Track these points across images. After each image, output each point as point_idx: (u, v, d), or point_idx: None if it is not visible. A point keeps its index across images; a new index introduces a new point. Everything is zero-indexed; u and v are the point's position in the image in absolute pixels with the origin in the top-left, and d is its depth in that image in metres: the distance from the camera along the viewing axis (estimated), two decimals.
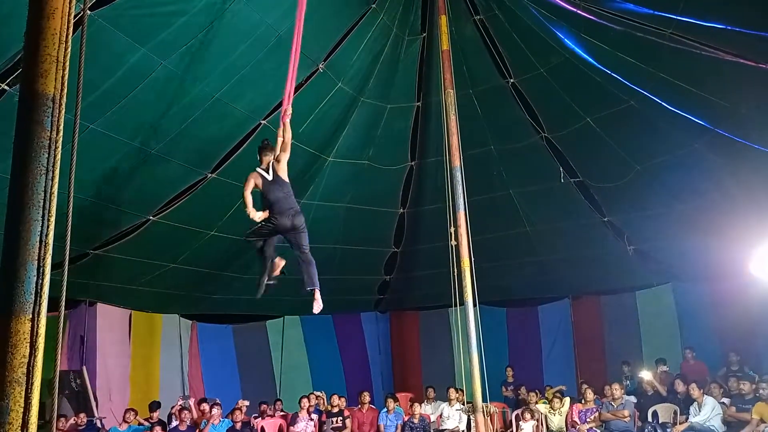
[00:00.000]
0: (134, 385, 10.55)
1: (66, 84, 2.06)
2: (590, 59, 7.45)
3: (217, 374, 11.76)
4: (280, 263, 5.86)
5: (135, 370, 10.65)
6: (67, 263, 2.06)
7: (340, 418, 9.51)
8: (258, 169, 5.53)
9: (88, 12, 5.32)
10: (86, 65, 2.39)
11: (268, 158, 5.53)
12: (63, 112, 2.02)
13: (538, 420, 9.10)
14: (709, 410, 7.96)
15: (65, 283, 2.06)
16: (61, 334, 2.36)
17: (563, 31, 7.43)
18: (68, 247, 2.07)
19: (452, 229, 7.68)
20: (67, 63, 2.07)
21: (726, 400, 8.26)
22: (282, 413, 10.17)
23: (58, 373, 1.94)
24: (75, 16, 2.18)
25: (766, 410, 7.47)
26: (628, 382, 9.88)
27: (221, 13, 6.23)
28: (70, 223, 2.11)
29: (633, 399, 9.06)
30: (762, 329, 9.37)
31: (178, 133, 7.28)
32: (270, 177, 5.47)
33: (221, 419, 8.97)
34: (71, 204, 2.14)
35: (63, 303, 2.06)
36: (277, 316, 12.49)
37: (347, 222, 10.38)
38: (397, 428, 9.36)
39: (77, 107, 2.17)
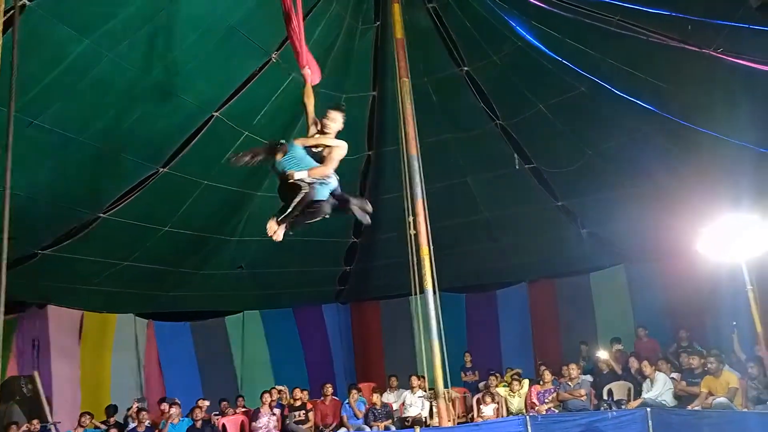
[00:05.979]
0: (85, 388, 10.25)
1: None
2: (542, 47, 7.56)
3: (176, 373, 11.53)
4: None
5: (85, 373, 10.35)
6: (4, 266, 1.97)
7: (303, 411, 9.47)
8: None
9: (25, 1, 5.09)
10: (26, 58, 2.29)
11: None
12: None
13: (498, 403, 9.25)
14: (660, 386, 8.25)
15: (3, 286, 1.96)
16: (0, 339, 2.23)
17: (515, 18, 7.51)
18: (5, 250, 1.98)
19: (411, 219, 7.71)
20: None
21: (676, 375, 8.57)
22: (244, 409, 10.05)
23: None
24: (9, 9, 2.07)
25: (714, 383, 7.78)
26: (584, 362, 10.12)
27: (169, 2, 6.05)
28: (6, 224, 2.01)
29: (589, 378, 9.30)
30: (709, 306, 9.69)
31: (127, 126, 7.07)
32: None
33: (181, 418, 8.82)
34: (7, 203, 2.04)
35: (2, 307, 1.97)
36: (237, 312, 12.32)
37: None
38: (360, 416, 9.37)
39: (11, 101, 2.07)
